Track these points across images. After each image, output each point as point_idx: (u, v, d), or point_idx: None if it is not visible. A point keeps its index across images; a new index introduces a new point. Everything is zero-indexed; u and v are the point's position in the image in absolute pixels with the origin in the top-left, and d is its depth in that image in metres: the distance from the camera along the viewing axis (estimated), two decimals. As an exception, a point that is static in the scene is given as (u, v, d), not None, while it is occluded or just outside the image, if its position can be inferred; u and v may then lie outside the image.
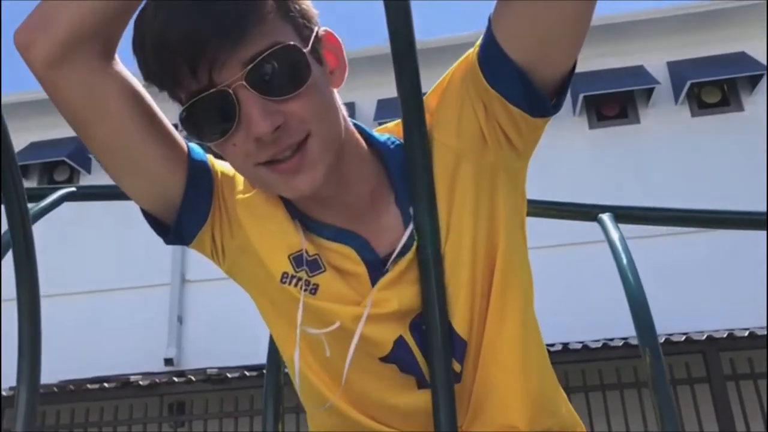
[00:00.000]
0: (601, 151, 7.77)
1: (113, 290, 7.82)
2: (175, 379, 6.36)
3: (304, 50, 0.79)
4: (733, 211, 1.41)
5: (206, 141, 0.82)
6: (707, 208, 1.42)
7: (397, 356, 0.89)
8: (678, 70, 7.81)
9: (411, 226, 0.88)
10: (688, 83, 7.56)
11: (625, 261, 1.25)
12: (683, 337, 5.97)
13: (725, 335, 5.91)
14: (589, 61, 7.37)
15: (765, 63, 7.50)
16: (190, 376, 6.38)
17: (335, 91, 0.87)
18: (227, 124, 0.77)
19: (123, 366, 7.08)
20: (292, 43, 0.78)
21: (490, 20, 0.83)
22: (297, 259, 0.88)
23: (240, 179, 0.93)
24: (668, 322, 6.39)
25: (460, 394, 0.89)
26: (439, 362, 0.80)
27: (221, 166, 0.93)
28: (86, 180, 8.43)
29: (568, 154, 7.47)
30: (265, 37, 0.76)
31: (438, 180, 0.86)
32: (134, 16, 0.81)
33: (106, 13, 0.78)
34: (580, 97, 7.70)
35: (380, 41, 8.35)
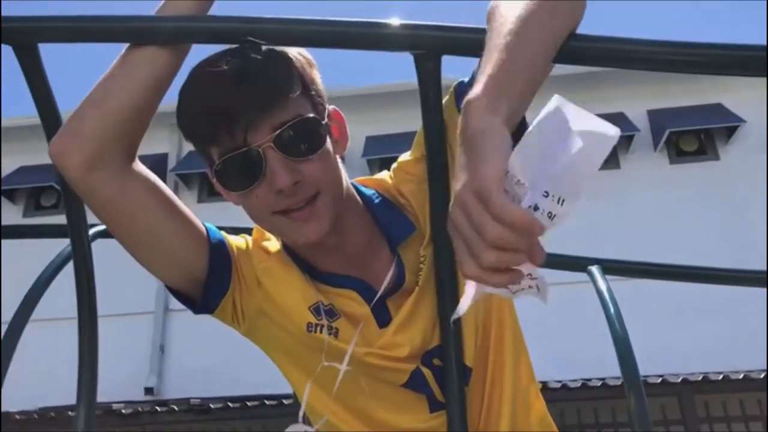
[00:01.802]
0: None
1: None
2: (158, 408, 6.35)
3: (323, 122, 0.96)
4: (730, 269, 1.54)
5: (235, 191, 0.96)
6: (699, 265, 1.56)
7: (414, 384, 1.05)
8: (657, 119, 8.08)
9: (395, 263, 1.03)
10: (667, 131, 7.83)
11: (612, 310, 1.38)
12: (659, 380, 6.09)
13: (700, 378, 6.05)
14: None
15: (740, 115, 7.81)
16: (173, 406, 6.37)
17: (338, 158, 1.02)
18: (255, 177, 0.93)
19: (102, 394, 6.99)
20: (312, 115, 0.95)
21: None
22: (316, 310, 1.04)
23: (253, 251, 1.08)
24: (643, 364, 6.52)
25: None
26: (454, 392, 0.93)
27: (236, 242, 1.08)
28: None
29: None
30: (291, 110, 0.93)
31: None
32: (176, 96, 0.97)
33: (126, 122, 0.92)
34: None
35: (368, 81, 8.57)
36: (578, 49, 0.79)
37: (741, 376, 6.00)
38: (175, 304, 7.96)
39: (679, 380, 6.05)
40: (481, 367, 1.07)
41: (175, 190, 8.88)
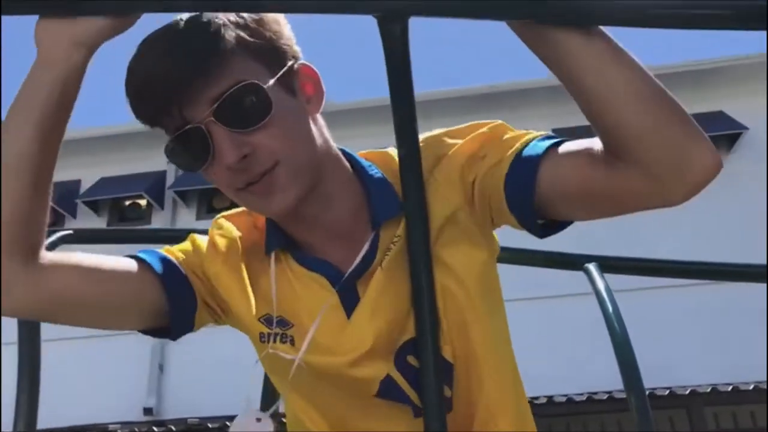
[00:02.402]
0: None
1: (93, 337, 7.71)
2: (155, 429, 6.24)
3: (265, 85, 0.87)
4: (729, 263, 1.46)
5: (191, 170, 0.91)
6: (696, 260, 1.47)
7: (387, 393, 0.94)
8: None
9: (370, 240, 0.94)
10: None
11: (611, 310, 1.29)
12: (667, 392, 5.98)
13: (709, 390, 5.93)
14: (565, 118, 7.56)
15: (742, 122, 7.74)
16: (170, 426, 6.26)
17: (317, 117, 0.95)
18: (204, 156, 0.87)
19: (100, 415, 6.93)
20: (253, 81, 0.86)
21: (547, 149, 0.88)
22: (267, 320, 0.98)
23: (206, 254, 1.01)
24: (651, 377, 6.41)
25: (453, 417, 0.93)
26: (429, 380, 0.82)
27: (182, 249, 1.02)
28: (71, 224, 8.43)
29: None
30: (229, 77, 0.85)
31: (434, 218, 0.92)
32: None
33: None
34: None
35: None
36: (553, 8, 0.70)
37: (751, 387, 5.88)
38: (173, 322, 7.96)
39: (688, 392, 5.93)
40: (462, 363, 0.95)
41: (174, 207, 8.89)
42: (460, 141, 0.96)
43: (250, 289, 0.99)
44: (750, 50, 7.92)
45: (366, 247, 0.95)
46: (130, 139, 8.21)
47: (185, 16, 0.87)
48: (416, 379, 0.92)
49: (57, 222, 8.56)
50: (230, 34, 0.86)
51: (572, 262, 1.50)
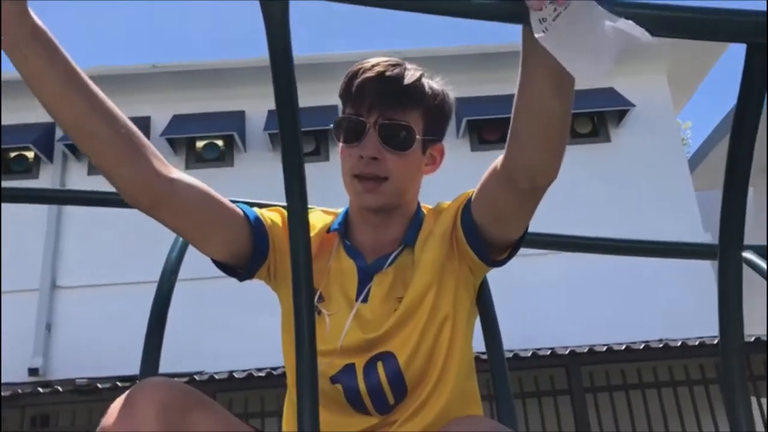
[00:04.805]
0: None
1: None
2: (40, 389, 6.05)
3: (417, 136, 1.26)
4: (679, 242, 1.59)
5: (338, 140, 1.28)
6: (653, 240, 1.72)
7: (344, 379, 1.21)
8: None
9: (397, 251, 1.29)
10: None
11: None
12: (549, 352, 6.35)
13: (586, 350, 6.34)
14: (472, 87, 7.72)
15: (630, 99, 8.16)
16: (57, 387, 6.09)
17: (422, 176, 1.33)
18: (355, 140, 1.25)
19: (-19, 376, 6.63)
20: (413, 127, 1.25)
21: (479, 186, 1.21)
22: None
23: (280, 220, 1.30)
24: (535, 338, 6.79)
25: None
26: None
27: (269, 215, 1.30)
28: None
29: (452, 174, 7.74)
30: (402, 117, 1.25)
31: (432, 264, 1.25)
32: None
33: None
34: (464, 121, 8.05)
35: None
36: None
37: (623, 348, 6.33)
38: (63, 280, 7.61)
39: (567, 352, 6.31)
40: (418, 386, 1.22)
41: (64, 161, 8.46)
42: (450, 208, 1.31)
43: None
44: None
45: (392, 255, 1.29)
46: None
47: (408, 64, 1.27)
48: (377, 398, 1.21)
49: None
50: (426, 92, 1.27)
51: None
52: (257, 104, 8.13)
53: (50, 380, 6.89)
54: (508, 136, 1.04)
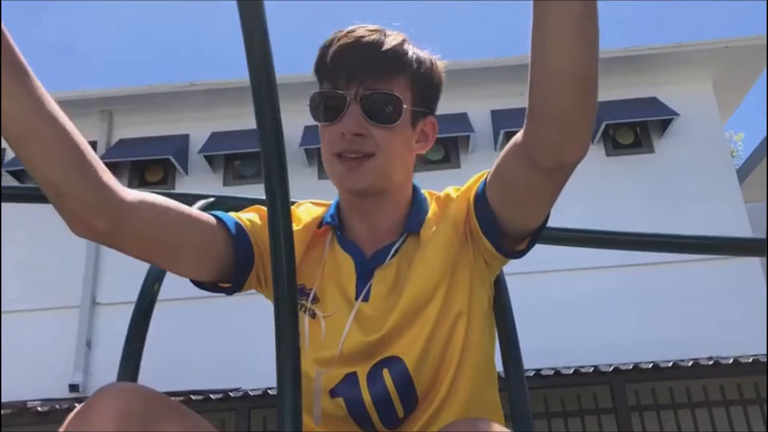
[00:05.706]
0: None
1: (19, 311, 7.44)
2: (78, 405, 6.06)
3: (404, 106, 1.10)
4: (727, 237, 1.63)
5: (316, 120, 1.12)
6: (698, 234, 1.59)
7: (345, 391, 1.08)
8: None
9: (399, 241, 1.15)
10: (603, 124, 7.89)
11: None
12: (591, 369, 6.14)
13: (631, 367, 6.11)
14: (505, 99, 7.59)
15: (674, 108, 7.93)
16: (94, 403, 6.09)
17: (414, 155, 1.18)
18: (333, 117, 1.09)
19: (23, 392, 6.71)
20: (400, 97, 1.10)
21: (488, 175, 1.09)
22: (300, 290, 1.14)
23: (263, 225, 1.16)
24: (578, 355, 6.58)
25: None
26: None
27: (248, 218, 1.17)
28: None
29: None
30: (387, 85, 1.09)
31: (442, 253, 1.12)
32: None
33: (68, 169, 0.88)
34: (501, 133, 7.91)
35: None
36: None
37: (670, 365, 6.09)
38: (102, 297, 7.66)
39: (611, 369, 6.10)
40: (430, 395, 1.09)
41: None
42: (460, 196, 1.17)
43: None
44: (683, 39, 8.10)
45: (394, 246, 1.15)
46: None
47: (388, 29, 1.12)
48: (384, 409, 1.08)
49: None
50: (410, 57, 1.12)
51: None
52: (293, 119, 8.13)
53: (89, 396, 6.92)
54: (527, 107, 0.89)
